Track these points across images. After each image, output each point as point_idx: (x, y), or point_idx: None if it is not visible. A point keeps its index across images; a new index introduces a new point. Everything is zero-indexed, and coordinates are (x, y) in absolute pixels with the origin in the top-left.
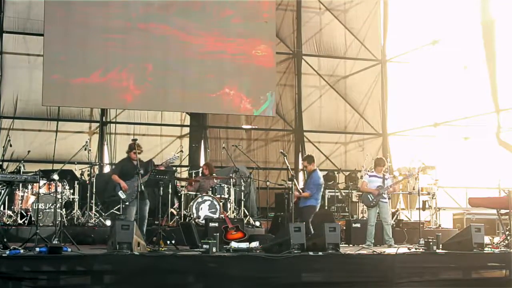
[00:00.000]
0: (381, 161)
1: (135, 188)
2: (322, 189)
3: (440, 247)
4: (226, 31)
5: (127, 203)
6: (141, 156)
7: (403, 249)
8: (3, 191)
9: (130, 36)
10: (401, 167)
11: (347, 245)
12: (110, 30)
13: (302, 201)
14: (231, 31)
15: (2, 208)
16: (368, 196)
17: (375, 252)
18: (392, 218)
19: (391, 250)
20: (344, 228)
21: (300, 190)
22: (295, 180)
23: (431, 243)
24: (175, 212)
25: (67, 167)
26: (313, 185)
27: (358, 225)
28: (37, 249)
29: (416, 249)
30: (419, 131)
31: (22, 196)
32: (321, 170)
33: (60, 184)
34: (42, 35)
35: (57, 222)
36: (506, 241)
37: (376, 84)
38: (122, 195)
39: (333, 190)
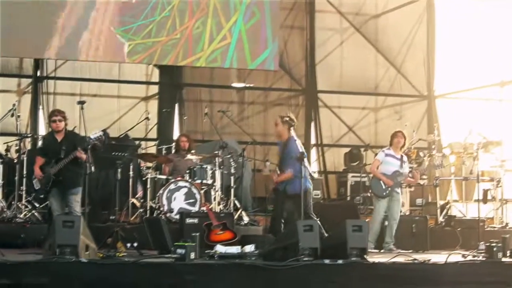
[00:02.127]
0: (396, 133)
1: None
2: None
3: (508, 254)
4: None
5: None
6: (89, 125)
7: (455, 257)
8: None
9: None
10: (453, 143)
11: (376, 251)
12: None
13: (290, 185)
14: None
15: None
16: (380, 183)
17: (416, 261)
18: (441, 213)
19: (439, 258)
20: None
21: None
22: (306, 160)
23: (494, 249)
24: (138, 204)
25: None
26: (292, 159)
27: None
28: None
29: (474, 256)
30: (479, 92)
31: None
32: (342, 146)
33: None
34: None
35: None
36: None
37: (420, 26)
38: (36, 185)
39: (358, 175)
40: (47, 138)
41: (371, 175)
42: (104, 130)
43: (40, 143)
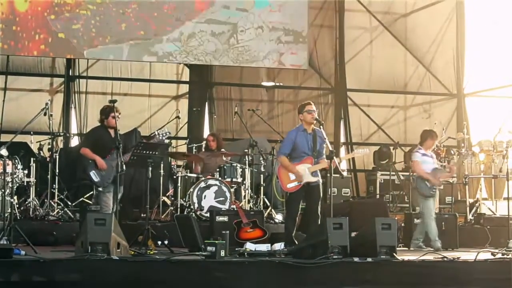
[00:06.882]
0: (432, 134)
1: (114, 169)
2: None
3: None
4: None
5: (100, 189)
6: (120, 124)
7: (485, 255)
8: None
9: None
10: (483, 140)
11: (406, 249)
12: None
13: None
14: None
15: None
16: (425, 182)
17: (445, 259)
18: (470, 211)
19: (468, 256)
20: (403, 224)
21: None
22: (335, 158)
23: None
24: (169, 202)
25: (19, 138)
26: None
27: None
28: None
29: (503, 254)
30: (509, 90)
31: None
32: (371, 144)
33: (9, 162)
34: None
35: (6, 215)
36: None
37: (450, 24)
38: (94, 177)
39: (387, 173)
40: (100, 132)
41: (415, 175)
42: (135, 129)
43: (88, 136)
